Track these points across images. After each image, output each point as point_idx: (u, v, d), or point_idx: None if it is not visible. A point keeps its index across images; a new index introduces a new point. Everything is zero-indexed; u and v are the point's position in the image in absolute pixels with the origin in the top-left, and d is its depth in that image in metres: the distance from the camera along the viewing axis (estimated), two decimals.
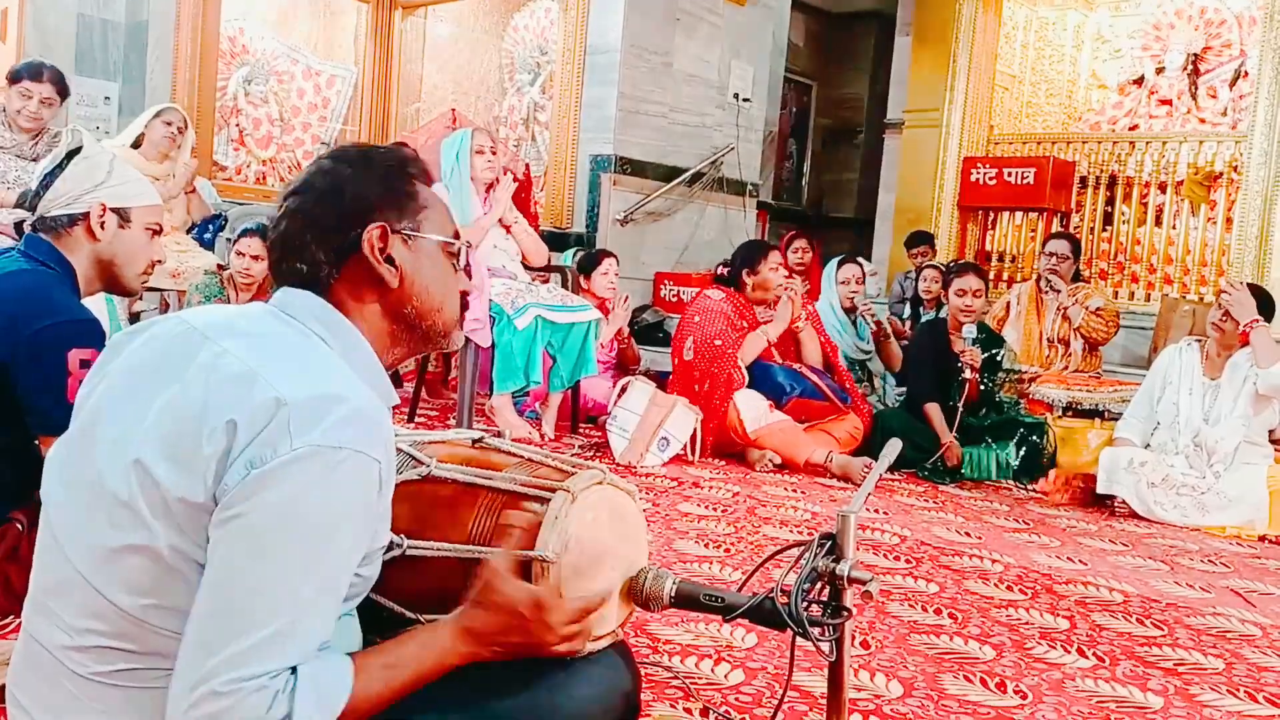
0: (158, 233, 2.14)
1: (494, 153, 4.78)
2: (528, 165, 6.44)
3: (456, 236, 1.33)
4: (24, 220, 2.07)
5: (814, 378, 4.89)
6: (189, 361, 1.14)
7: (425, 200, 1.29)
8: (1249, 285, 4.51)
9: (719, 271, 5.17)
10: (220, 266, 4.77)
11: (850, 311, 5.80)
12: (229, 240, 4.75)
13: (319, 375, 1.13)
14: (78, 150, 2.04)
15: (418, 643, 1.19)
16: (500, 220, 4.79)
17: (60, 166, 2.03)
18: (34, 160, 4.22)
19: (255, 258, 4.43)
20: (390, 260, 1.24)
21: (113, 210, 2.04)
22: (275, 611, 1.03)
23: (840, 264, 5.85)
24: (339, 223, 1.23)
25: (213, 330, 1.18)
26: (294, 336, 1.20)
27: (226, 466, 1.06)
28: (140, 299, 4.94)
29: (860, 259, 6.25)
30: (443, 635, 1.21)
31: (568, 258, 6.12)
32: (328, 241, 1.23)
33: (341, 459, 1.07)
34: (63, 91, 4.30)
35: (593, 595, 1.32)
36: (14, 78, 4.28)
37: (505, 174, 4.85)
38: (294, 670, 1.04)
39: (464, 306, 1.36)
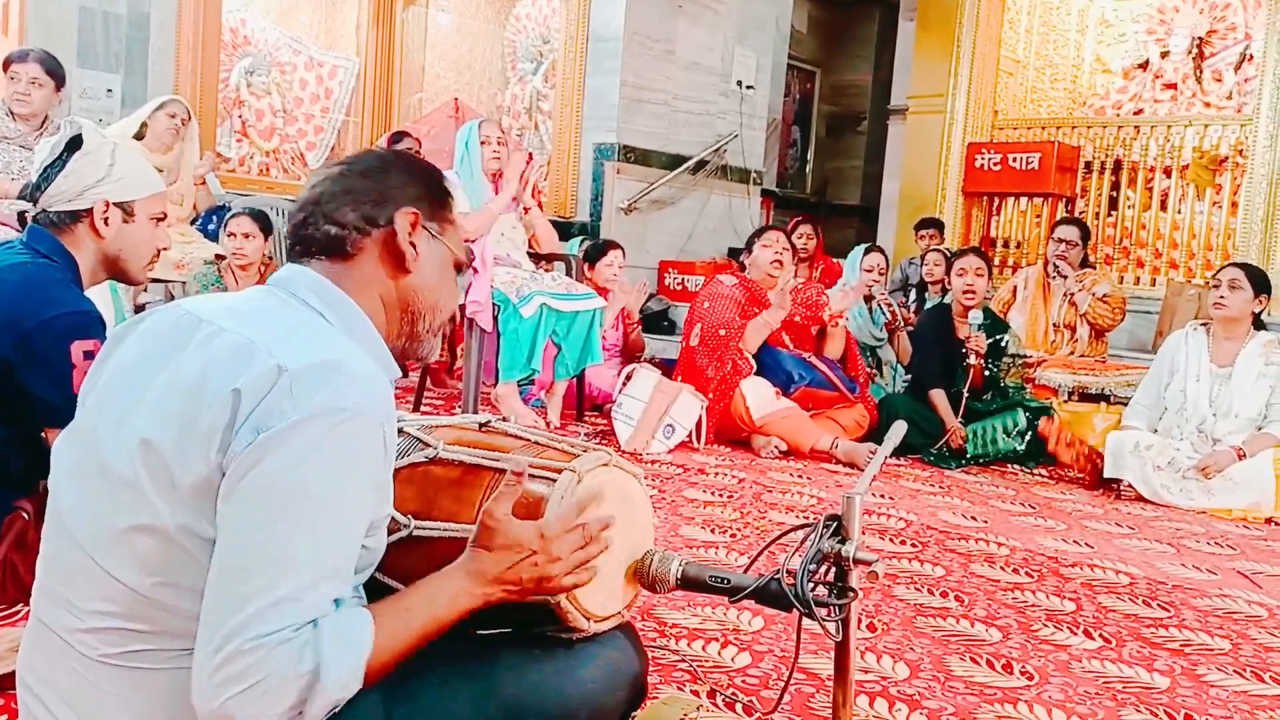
0: (162, 219, 2.12)
1: (500, 144, 4.84)
2: (530, 154, 6.43)
3: (459, 268, 1.40)
4: (27, 211, 2.04)
5: (824, 368, 4.89)
6: (186, 342, 1.16)
7: (453, 217, 1.37)
8: (1245, 265, 4.51)
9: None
10: (219, 256, 4.78)
11: (868, 299, 5.82)
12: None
13: (318, 344, 1.15)
14: (77, 141, 2.00)
15: (428, 588, 1.19)
16: (517, 199, 4.84)
17: (60, 159, 1.99)
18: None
19: (246, 235, 4.44)
20: (413, 247, 1.30)
21: (116, 205, 2.01)
22: (291, 571, 1.04)
23: (866, 251, 5.91)
24: (377, 196, 1.29)
25: (207, 313, 1.20)
26: (292, 312, 1.22)
27: (232, 435, 1.07)
28: (145, 290, 4.94)
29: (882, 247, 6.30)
30: (451, 578, 1.21)
31: (573, 246, 6.12)
32: (360, 209, 1.28)
33: (346, 420, 1.09)
34: (53, 74, 4.27)
35: (591, 521, 1.31)
36: (5, 64, 4.28)
37: (517, 153, 4.90)
38: (315, 623, 1.05)
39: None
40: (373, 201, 1.28)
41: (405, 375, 5.79)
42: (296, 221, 1.29)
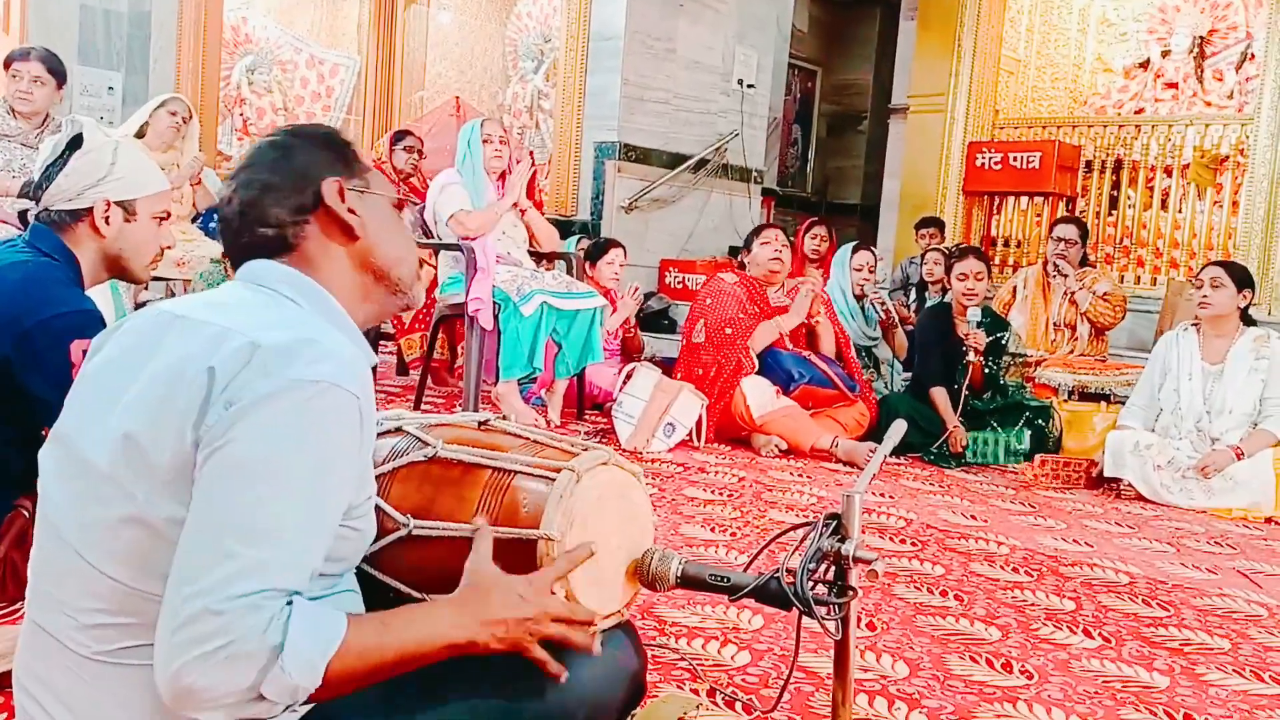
0: (166, 218, 2.11)
1: (503, 142, 4.84)
2: (531, 152, 6.45)
3: (400, 207, 1.40)
4: (28, 210, 2.05)
5: (823, 366, 4.88)
6: (164, 338, 1.17)
7: (367, 164, 1.37)
8: (1225, 262, 4.51)
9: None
10: (226, 255, 4.78)
11: (860, 298, 5.80)
12: None
13: (292, 325, 1.16)
14: (78, 140, 2.00)
15: (417, 610, 1.17)
16: (515, 203, 4.84)
17: (62, 159, 1.99)
18: (38, 149, 4.22)
19: None
20: (352, 213, 1.30)
21: (117, 204, 2.00)
22: (261, 537, 1.03)
23: (854, 250, 5.83)
24: (295, 183, 1.28)
25: (184, 309, 1.21)
26: (265, 300, 1.23)
27: (206, 409, 1.07)
28: (146, 288, 4.95)
29: (873, 248, 6.24)
30: (437, 609, 1.18)
31: (571, 244, 6.12)
32: (287, 202, 1.27)
33: (319, 392, 1.08)
34: (55, 72, 4.28)
35: (577, 549, 1.29)
36: (7, 62, 4.29)
37: (520, 162, 4.89)
38: (290, 602, 1.03)
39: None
40: (293, 190, 1.27)
41: (407, 373, 5.79)
42: (230, 236, 1.29)
